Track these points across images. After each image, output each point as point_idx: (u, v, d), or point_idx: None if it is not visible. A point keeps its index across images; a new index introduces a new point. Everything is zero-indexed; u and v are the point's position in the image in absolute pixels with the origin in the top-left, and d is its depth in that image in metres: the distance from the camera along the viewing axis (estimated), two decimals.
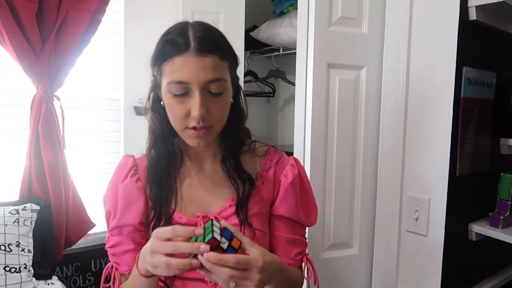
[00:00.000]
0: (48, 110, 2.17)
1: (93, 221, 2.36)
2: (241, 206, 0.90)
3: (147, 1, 2.52)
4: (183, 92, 0.81)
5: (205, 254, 0.66)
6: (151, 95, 0.92)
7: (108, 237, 0.94)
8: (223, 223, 0.73)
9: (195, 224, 0.88)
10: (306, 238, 0.98)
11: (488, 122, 1.47)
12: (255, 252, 0.71)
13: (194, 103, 0.80)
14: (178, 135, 0.92)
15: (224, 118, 0.87)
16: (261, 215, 0.93)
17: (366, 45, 1.51)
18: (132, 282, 0.84)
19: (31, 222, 1.95)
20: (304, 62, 1.46)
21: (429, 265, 1.39)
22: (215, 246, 0.67)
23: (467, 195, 1.44)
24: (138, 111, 2.52)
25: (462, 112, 1.33)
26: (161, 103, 0.88)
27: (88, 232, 2.38)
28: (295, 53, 2.48)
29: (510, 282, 1.76)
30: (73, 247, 2.33)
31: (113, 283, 0.93)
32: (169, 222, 0.88)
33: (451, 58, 1.29)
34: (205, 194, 0.93)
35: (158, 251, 0.70)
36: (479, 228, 1.43)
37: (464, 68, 1.32)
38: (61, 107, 2.23)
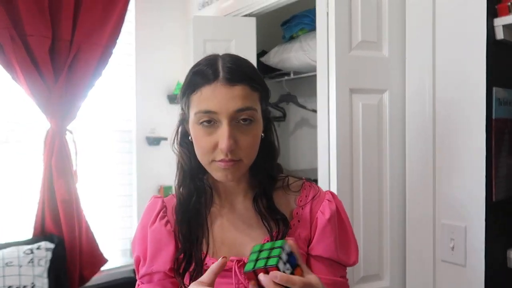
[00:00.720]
0: (61, 144, 2.15)
1: (105, 256, 2.31)
2: None
3: (158, 32, 2.53)
4: (211, 123, 0.78)
5: (271, 273, 0.62)
6: (179, 129, 0.89)
7: (138, 285, 0.90)
8: (291, 244, 0.69)
9: (230, 269, 0.82)
10: (347, 280, 0.91)
11: None
12: (312, 279, 0.67)
13: (222, 134, 0.77)
14: (208, 174, 0.88)
15: (255, 151, 0.83)
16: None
17: (387, 68, 1.47)
18: None
19: (45, 261, 1.90)
20: (326, 87, 1.42)
21: None
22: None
23: (504, 221, 1.37)
24: (150, 141, 2.50)
25: (495, 133, 1.28)
26: (189, 137, 0.85)
27: (101, 269, 2.32)
28: (306, 77, 2.53)
29: None
30: (87, 284, 2.27)
31: None
32: (200, 266, 0.83)
33: (480, 78, 1.25)
34: (237, 235, 0.87)
35: None
36: None
37: (494, 89, 1.27)
38: (74, 141, 2.21)
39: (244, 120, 0.78)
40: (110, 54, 2.26)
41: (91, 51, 2.20)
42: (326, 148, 1.44)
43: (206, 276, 0.69)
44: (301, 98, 2.65)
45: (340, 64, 1.40)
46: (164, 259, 0.85)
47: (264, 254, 0.66)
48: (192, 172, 0.87)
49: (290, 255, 0.66)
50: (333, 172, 1.42)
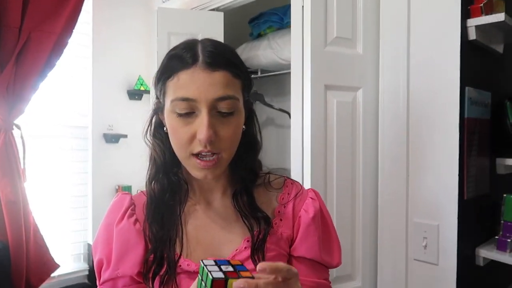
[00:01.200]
0: (7, 140, 1.96)
1: (57, 261, 2.13)
2: (256, 250, 0.78)
3: (118, 22, 2.39)
4: (189, 112, 0.71)
5: (260, 264, 0.54)
6: (153, 119, 0.82)
7: None
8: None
9: None
10: (330, 282, 0.86)
11: (486, 142, 1.45)
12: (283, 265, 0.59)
13: (201, 124, 0.70)
14: (182, 167, 0.81)
15: (235, 143, 0.77)
16: (280, 257, 0.81)
17: (362, 65, 1.46)
18: None
19: None
20: (300, 83, 1.38)
21: None
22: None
23: (474, 219, 1.40)
24: (108, 138, 2.35)
25: (467, 133, 1.29)
26: (164, 128, 0.78)
27: (52, 275, 2.15)
28: (273, 75, 2.49)
29: None
30: None
31: None
32: (173, 269, 0.75)
33: (454, 78, 1.26)
34: (214, 235, 0.80)
35: None
36: (487, 253, 1.38)
37: (466, 88, 1.29)
38: (21, 137, 2.03)
39: (225, 111, 0.72)
40: (65, 44, 2.09)
41: (43, 40, 2.02)
42: (299, 147, 1.40)
43: None
44: (267, 97, 2.61)
45: (316, 60, 1.36)
46: (132, 262, 0.76)
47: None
48: (166, 166, 0.80)
49: (216, 262, 0.59)
50: (307, 171, 1.38)
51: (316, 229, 0.83)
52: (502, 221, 1.40)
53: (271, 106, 2.56)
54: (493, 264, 1.48)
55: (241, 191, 0.82)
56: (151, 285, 0.75)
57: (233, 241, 0.80)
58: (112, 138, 2.35)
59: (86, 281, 2.35)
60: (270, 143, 2.75)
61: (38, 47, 2.00)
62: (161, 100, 0.77)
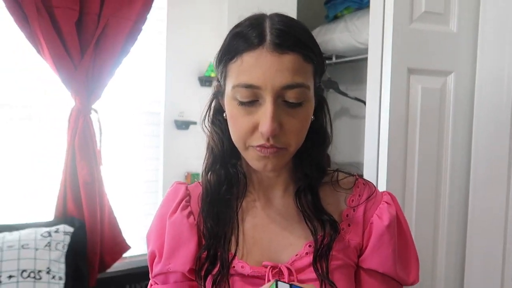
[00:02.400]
0: (86, 123, 2.04)
1: (128, 243, 2.22)
2: (320, 258, 0.69)
3: (191, 9, 2.37)
4: (252, 100, 0.64)
5: None
6: (212, 104, 0.75)
7: (151, 285, 0.77)
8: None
9: (262, 277, 0.69)
10: None
11: None
12: None
13: (265, 114, 0.62)
14: (242, 159, 0.74)
15: (302, 137, 0.68)
16: (346, 267, 0.71)
17: (455, 46, 1.25)
18: None
19: (63, 246, 1.81)
20: (379, 67, 1.22)
21: None
22: None
23: None
24: (179, 125, 2.37)
25: None
26: (224, 114, 0.71)
27: (124, 255, 2.24)
28: (350, 61, 2.32)
29: None
30: (107, 271, 2.18)
31: None
32: (226, 270, 0.69)
33: None
34: (272, 236, 0.73)
35: None
36: None
37: None
38: (98, 121, 2.11)
39: (293, 101, 0.63)
40: (139, 30, 2.13)
41: (119, 26, 2.07)
42: (375, 140, 1.25)
43: None
44: (342, 85, 2.44)
45: (398, 39, 1.19)
46: (184, 258, 0.71)
47: None
48: (224, 156, 0.74)
49: None
50: (383, 167, 1.23)
51: (391, 239, 0.73)
52: None
53: (345, 95, 2.39)
54: None
55: (305, 189, 0.73)
56: (203, 284, 0.70)
57: (293, 245, 0.72)
58: (183, 125, 2.37)
59: None
60: (344, 135, 2.60)
61: (115, 33, 2.06)
62: (222, 84, 0.70)
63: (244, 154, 0.69)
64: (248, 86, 0.62)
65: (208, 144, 0.76)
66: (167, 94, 2.36)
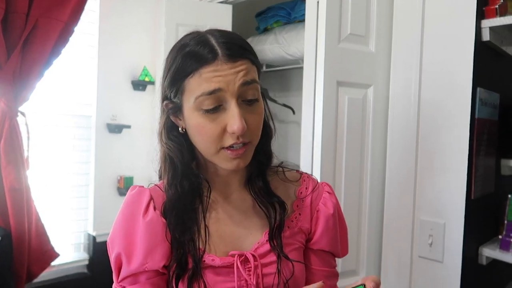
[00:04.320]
0: (12, 126, 1.94)
1: (57, 251, 2.13)
2: (274, 235, 0.79)
3: (125, 12, 2.37)
4: (216, 105, 0.70)
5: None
6: (165, 122, 0.79)
7: None
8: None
9: (231, 265, 0.76)
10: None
11: (493, 143, 1.47)
12: None
13: (232, 116, 0.70)
14: (199, 163, 0.81)
15: (260, 130, 0.77)
16: (299, 250, 0.84)
17: (373, 63, 1.47)
18: None
19: None
20: (313, 79, 1.38)
21: None
22: None
23: (479, 218, 1.42)
24: (111, 128, 2.34)
25: (477, 133, 1.31)
26: (180, 129, 0.77)
27: (52, 264, 2.14)
28: (278, 71, 2.50)
29: None
30: (35, 281, 2.08)
31: None
32: (199, 268, 0.74)
33: (467, 78, 1.27)
34: (234, 228, 0.81)
35: None
36: (490, 252, 1.40)
37: (478, 89, 1.30)
38: (26, 124, 2.01)
39: (251, 98, 0.72)
40: (71, 32, 2.07)
41: (50, 27, 2.00)
42: (310, 143, 1.40)
43: None
44: (271, 92, 2.61)
45: (329, 56, 1.36)
46: (161, 255, 0.75)
47: None
48: (186, 168, 0.78)
49: None
50: (316, 168, 1.39)
51: (335, 224, 0.86)
52: (505, 221, 1.43)
53: (274, 101, 2.56)
54: (495, 263, 1.50)
55: (257, 176, 0.82)
56: (176, 283, 0.74)
57: (253, 234, 0.80)
58: (116, 129, 2.34)
59: (86, 271, 2.35)
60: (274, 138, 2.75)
61: (44, 34, 1.98)
62: (177, 101, 0.75)
63: (214, 158, 0.74)
64: (212, 92, 0.69)
65: (165, 158, 0.79)
66: (99, 97, 2.31)
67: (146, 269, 0.74)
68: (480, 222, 1.44)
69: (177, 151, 0.78)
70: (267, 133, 0.83)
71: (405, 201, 1.43)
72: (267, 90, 2.57)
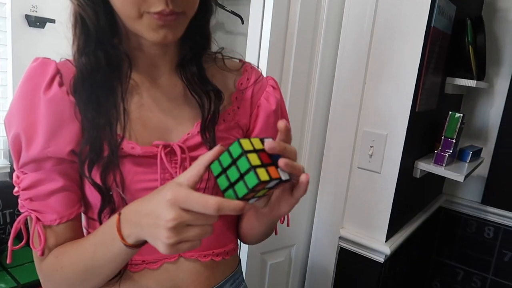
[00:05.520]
0: None
1: None
2: (208, 128, 0.69)
3: None
4: None
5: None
6: None
7: (18, 176, 0.65)
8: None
9: (154, 156, 0.66)
10: None
11: (442, 58, 1.43)
12: None
13: None
14: (121, 37, 0.66)
15: (198, 1, 0.62)
16: None
17: None
18: (98, 251, 0.60)
19: None
20: None
21: (379, 202, 1.36)
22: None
23: (420, 132, 1.42)
24: (32, 22, 2.02)
25: (430, 43, 1.25)
26: None
27: None
28: None
29: (435, 211, 1.87)
30: None
31: (33, 241, 0.65)
32: (116, 154, 0.63)
33: None
34: (161, 116, 0.69)
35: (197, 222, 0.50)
36: (424, 166, 1.43)
37: None
38: None
39: None
40: None
41: None
42: (257, 39, 1.26)
43: (191, 173, 0.53)
44: None
45: None
46: (68, 139, 0.62)
47: (232, 172, 0.52)
48: (101, 34, 0.63)
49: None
50: (263, 66, 1.27)
51: (276, 122, 0.75)
52: (443, 137, 1.44)
53: (222, 7, 2.34)
54: (427, 177, 1.55)
55: (190, 60, 0.70)
56: (88, 173, 0.63)
57: (183, 124, 0.70)
58: (37, 22, 2.02)
59: (8, 179, 2.16)
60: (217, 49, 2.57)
61: None
62: None
63: (135, 24, 0.60)
64: None
65: (76, 19, 0.63)
66: None
67: (48, 154, 0.62)
68: (420, 136, 1.44)
69: (90, 10, 0.62)
70: (206, 6, 0.69)
71: (350, 112, 1.38)
72: None
